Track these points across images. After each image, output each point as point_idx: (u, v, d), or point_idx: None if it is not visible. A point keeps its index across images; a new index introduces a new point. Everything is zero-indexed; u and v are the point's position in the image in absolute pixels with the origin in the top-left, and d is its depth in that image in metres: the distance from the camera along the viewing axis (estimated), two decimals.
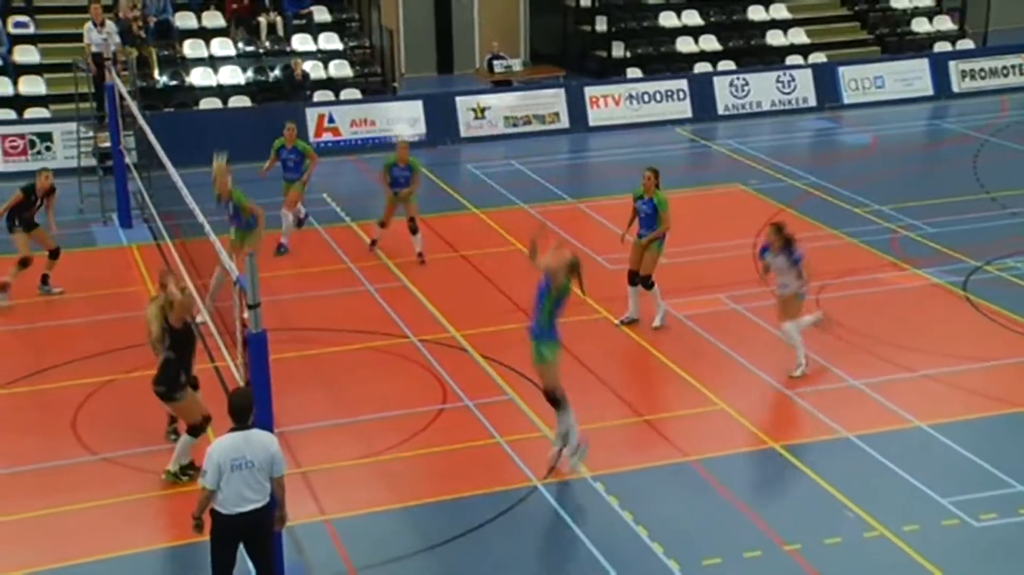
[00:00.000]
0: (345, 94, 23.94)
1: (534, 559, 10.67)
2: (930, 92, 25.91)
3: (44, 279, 16.05)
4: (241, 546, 9.15)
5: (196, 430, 11.22)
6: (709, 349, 14.00)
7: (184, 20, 24.89)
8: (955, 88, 26.11)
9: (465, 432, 12.54)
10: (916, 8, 29.40)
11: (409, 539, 10.67)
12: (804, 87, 25.55)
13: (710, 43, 27.29)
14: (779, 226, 13.29)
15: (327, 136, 22.28)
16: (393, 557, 10.28)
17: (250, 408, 9.01)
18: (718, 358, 13.85)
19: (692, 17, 28.10)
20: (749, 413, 12.60)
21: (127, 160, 19.38)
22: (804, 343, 13.13)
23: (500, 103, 24.14)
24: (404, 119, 23.12)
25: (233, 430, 8.90)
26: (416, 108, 23.34)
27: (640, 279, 14.00)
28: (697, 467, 11.65)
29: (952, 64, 26.42)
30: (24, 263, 15.69)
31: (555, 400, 11.32)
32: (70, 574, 10.16)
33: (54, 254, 15.89)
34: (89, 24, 21.58)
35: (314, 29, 25.37)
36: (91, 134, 20.81)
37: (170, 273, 11.76)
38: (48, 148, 22.02)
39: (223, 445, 8.90)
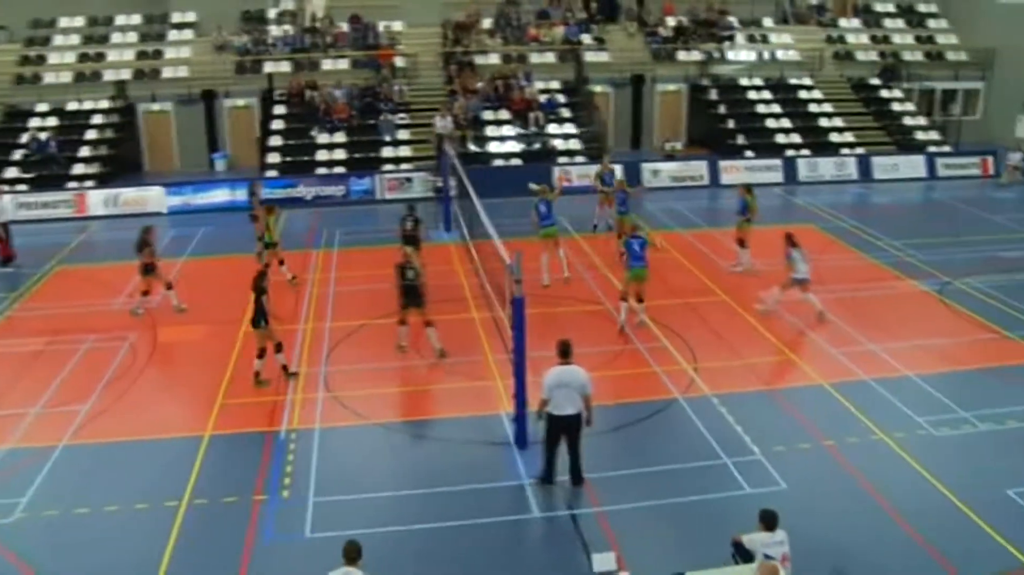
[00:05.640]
0: (577, 159, 31.79)
1: (670, 436, 13.04)
2: (924, 175, 32.53)
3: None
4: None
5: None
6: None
7: (487, 115, 33.41)
8: (939, 173, 32.60)
9: (634, 363, 15.67)
10: (918, 125, 36.19)
11: (609, 422, 12.72)
12: (850, 167, 32.59)
13: (794, 138, 34.34)
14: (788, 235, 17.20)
15: (565, 183, 28.72)
16: (607, 429, 12.53)
17: (570, 351, 10.08)
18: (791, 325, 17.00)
19: (785, 122, 35.21)
20: (810, 363, 15.35)
21: (451, 194, 25.32)
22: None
23: (668, 168, 31.69)
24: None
25: (559, 364, 10.24)
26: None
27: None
28: (775, 394, 14.39)
29: (938, 160, 33.11)
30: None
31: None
32: None
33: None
34: (437, 116, 30.84)
35: (560, 120, 33.63)
36: (432, 178, 28.97)
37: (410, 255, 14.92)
38: (410, 184, 30.19)
39: (554, 372, 9.89)
